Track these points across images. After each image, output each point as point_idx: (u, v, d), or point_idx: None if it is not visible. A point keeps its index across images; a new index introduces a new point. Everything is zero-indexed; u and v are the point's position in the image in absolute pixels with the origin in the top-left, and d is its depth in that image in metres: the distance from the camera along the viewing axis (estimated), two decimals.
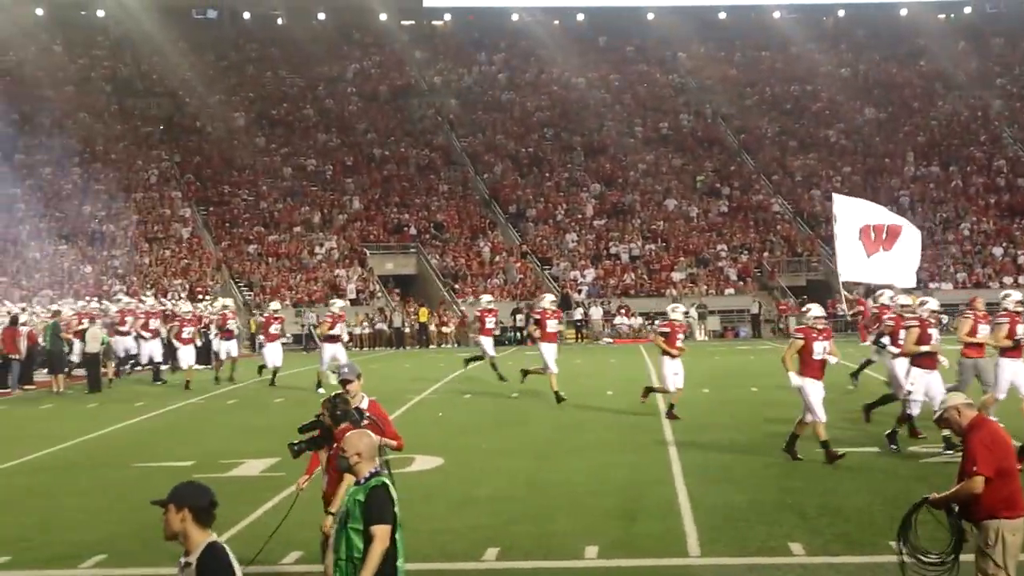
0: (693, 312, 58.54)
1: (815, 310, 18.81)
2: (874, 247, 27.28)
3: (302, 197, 70.42)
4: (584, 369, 34.62)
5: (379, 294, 61.67)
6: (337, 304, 33.27)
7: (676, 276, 63.34)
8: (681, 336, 24.90)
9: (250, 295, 59.41)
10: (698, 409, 24.71)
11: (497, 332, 35.20)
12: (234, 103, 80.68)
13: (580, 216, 69.93)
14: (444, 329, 58.08)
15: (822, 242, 65.76)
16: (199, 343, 38.08)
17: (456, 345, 56.90)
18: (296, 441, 10.22)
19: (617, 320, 58.91)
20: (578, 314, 59.34)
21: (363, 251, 65.07)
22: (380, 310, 59.00)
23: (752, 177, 74.15)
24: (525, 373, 28.56)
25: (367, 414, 10.52)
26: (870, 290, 33.84)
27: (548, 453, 19.83)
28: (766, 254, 65.87)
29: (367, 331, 57.45)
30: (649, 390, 25.25)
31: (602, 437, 21.46)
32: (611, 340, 56.92)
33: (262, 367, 34.61)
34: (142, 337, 37.10)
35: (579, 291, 61.94)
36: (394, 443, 10.94)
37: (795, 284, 62.02)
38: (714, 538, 13.13)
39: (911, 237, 27.51)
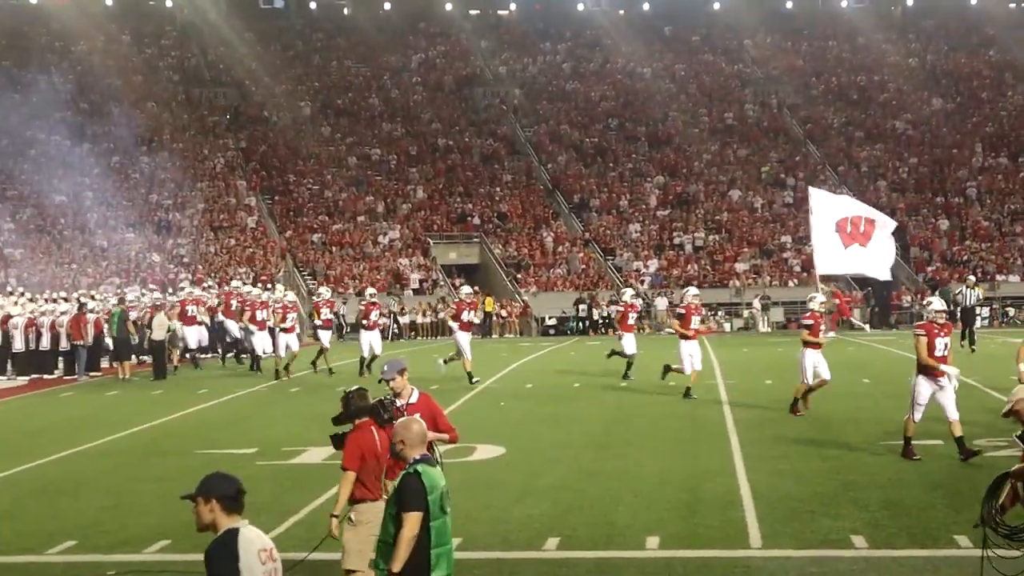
0: (757, 303, 58.32)
1: (936, 304, 18.07)
2: (850, 240, 27.51)
3: (366, 186, 70.67)
4: (645, 360, 34.40)
5: (441, 283, 61.79)
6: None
7: (739, 267, 63.04)
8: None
9: (313, 283, 59.69)
10: (761, 400, 24.62)
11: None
12: (300, 92, 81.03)
13: (643, 206, 69.72)
14: (505, 317, 58.11)
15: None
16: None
17: (519, 335, 56.95)
18: (336, 433, 10.24)
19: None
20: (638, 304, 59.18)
21: (426, 240, 65.22)
22: (442, 299, 59.09)
23: (817, 168, 73.56)
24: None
25: (399, 405, 10.54)
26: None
27: (609, 443, 19.81)
28: None
29: (429, 320, 57.53)
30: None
31: (664, 427, 21.40)
32: (673, 331, 56.66)
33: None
34: (248, 330, 36.34)
35: (642, 281, 61.78)
36: (445, 436, 10.90)
37: (859, 276, 61.32)
38: (776, 530, 13.06)
39: (887, 230, 27.74)
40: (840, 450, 18.08)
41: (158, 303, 38.77)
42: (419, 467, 7.98)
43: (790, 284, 61.62)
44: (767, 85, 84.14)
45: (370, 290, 36.33)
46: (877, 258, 27.92)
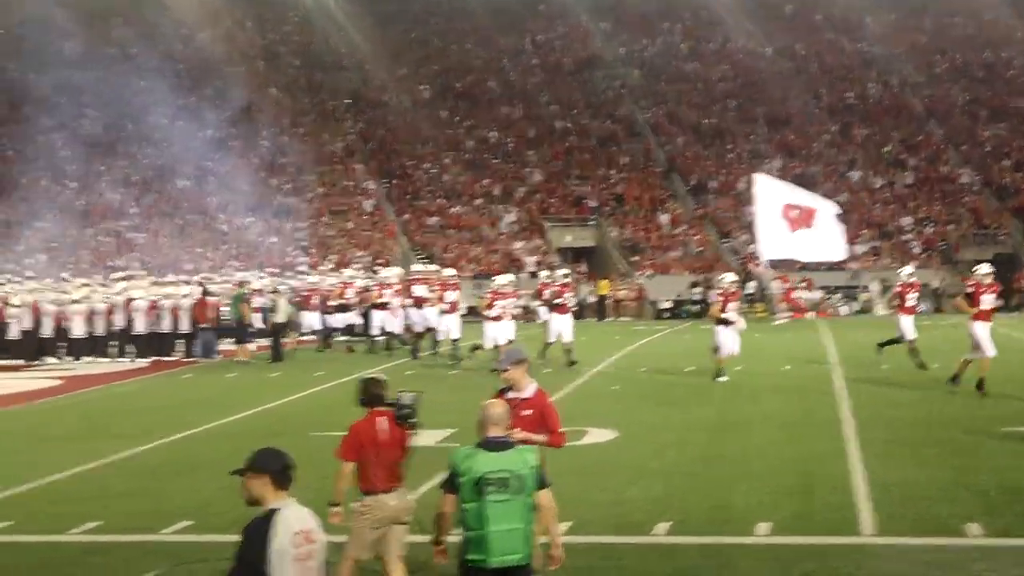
0: (875, 286, 57.52)
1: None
2: (796, 224, 27.40)
3: (484, 169, 70.90)
4: (760, 343, 34.15)
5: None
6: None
7: (858, 249, 62.21)
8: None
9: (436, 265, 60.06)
10: (877, 385, 24.34)
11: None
12: (418, 76, 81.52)
13: None
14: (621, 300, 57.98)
15: (1012, 214, 64.13)
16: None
17: (635, 318, 56.82)
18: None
19: (795, 294, 58.02)
20: (751, 287, 58.65)
21: (542, 223, 65.26)
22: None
23: (940, 147, 72.38)
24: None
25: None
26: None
27: (723, 427, 19.72)
28: (951, 227, 64.29)
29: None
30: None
31: (778, 412, 21.24)
32: (790, 315, 56.17)
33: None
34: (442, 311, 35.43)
35: (757, 264, 61.23)
36: (542, 439, 10.50)
37: (981, 258, 59.70)
38: (890, 516, 12.89)
39: (827, 213, 27.98)
40: (956, 433, 17.84)
41: (281, 287, 39.32)
42: (466, 448, 8.25)
43: (910, 267, 60.49)
44: (889, 63, 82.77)
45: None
46: (826, 240, 28.06)
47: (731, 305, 26.28)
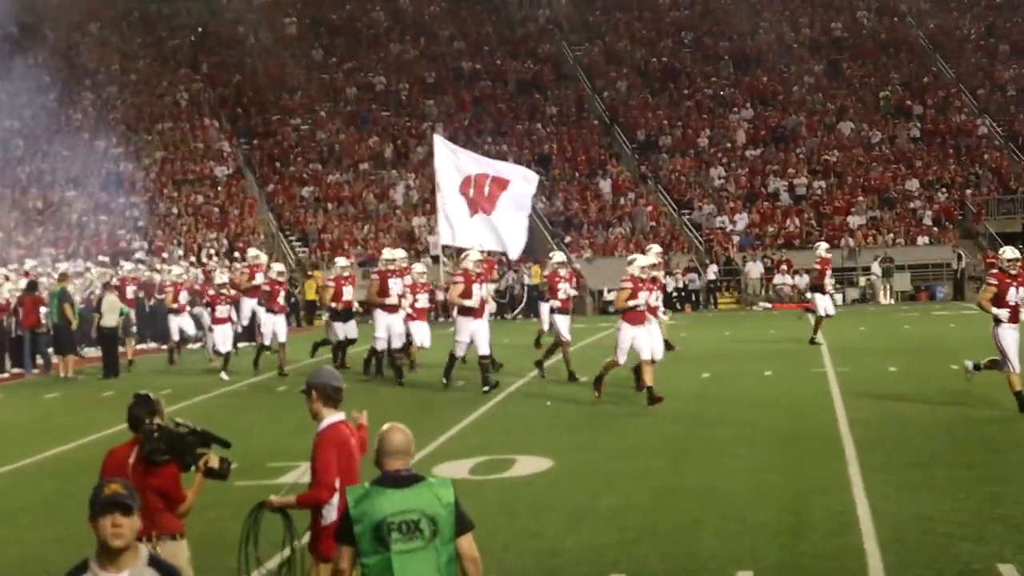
0: (876, 267, 58.11)
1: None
2: (474, 207, 27.66)
3: (370, 125, 70.80)
4: (735, 342, 34.45)
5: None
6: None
7: (854, 221, 62.85)
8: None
9: (304, 251, 59.87)
10: (883, 393, 24.58)
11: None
12: (283, 5, 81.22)
13: (729, 145, 69.61)
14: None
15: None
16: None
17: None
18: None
19: (777, 279, 58.59)
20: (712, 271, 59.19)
21: None
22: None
23: (951, 92, 73.28)
24: None
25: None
26: None
27: (688, 451, 19.84)
28: (970, 191, 65.09)
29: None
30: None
31: (759, 429, 21.41)
32: (770, 304, 56.75)
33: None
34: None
35: (730, 243, 61.72)
36: (291, 500, 10.44)
37: (1008, 230, 60.74)
38: (904, 559, 13.04)
39: (519, 195, 27.99)
40: (983, 455, 18.06)
41: (109, 280, 39.01)
42: (360, 487, 8.27)
43: (919, 242, 61.32)
44: None
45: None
46: (505, 232, 28.32)
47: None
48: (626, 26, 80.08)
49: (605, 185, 66.19)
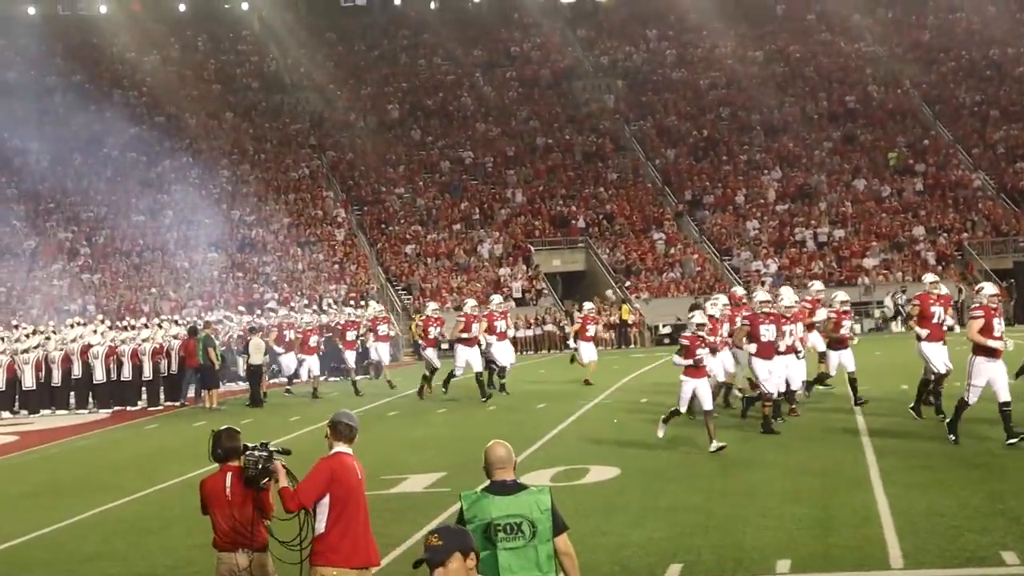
0: (889, 301, 57.63)
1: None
2: None
3: (461, 192, 70.97)
4: None
5: (546, 293, 61.81)
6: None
7: (868, 262, 62.44)
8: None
9: (408, 299, 60.01)
10: (897, 406, 24.36)
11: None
12: (386, 95, 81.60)
13: (761, 201, 69.32)
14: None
15: None
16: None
17: (634, 345, 56.87)
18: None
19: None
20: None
21: (527, 247, 65.29)
22: (548, 310, 59.10)
23: (949, 151, 72.68)
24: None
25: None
26: None
27: (732, 459, 19.71)
28: (966, 235, 64.55)
29: (532, 333, 57.61)
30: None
31: (791, 440, 21.29)
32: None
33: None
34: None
35: (762, 283, 61.34)
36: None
37: (1000, 267, 60.37)
38: (918, 547, 12.95)
39: None
40: (985, 456, 17.88)
41: (252, 326, 39.28)
42: (473, 492, 8.37)
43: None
44: (891, 64, 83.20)
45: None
46: None
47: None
48: (673, 104, 79.91)
49: (659, 238, 66.00)
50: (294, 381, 38.06)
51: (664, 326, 58.33)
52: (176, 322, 42.34)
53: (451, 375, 32.15)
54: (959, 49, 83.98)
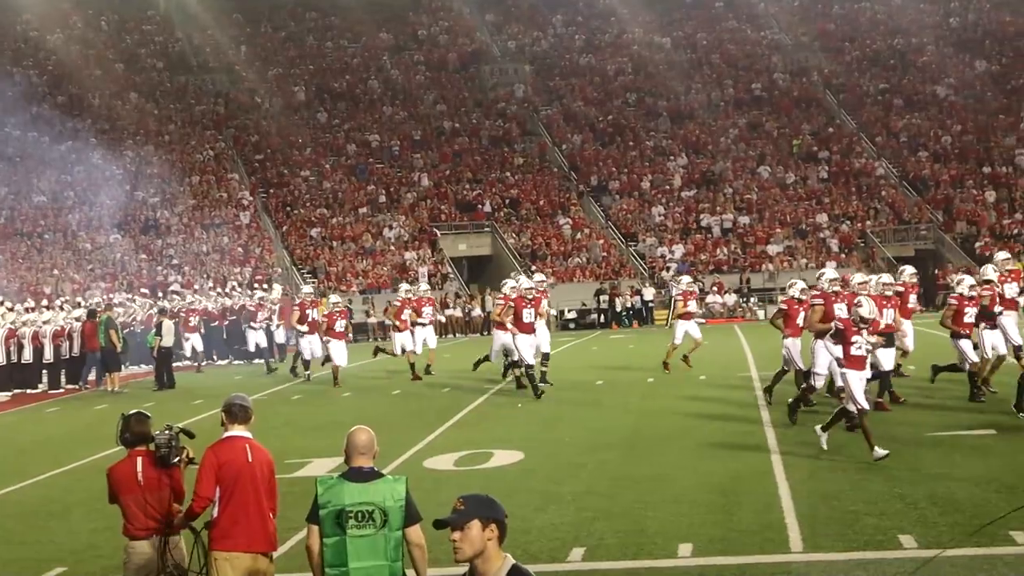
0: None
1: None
2: None
3: (367, 175, 70.69)
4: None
5: (452, 277, 61.73)
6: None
7: (772, 249, 62.91)
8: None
9: (313, 282, 59.72)
10: (794, 392, 24.53)
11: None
12: (293, 76, 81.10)
13: (667, 187, 69.65)
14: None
15: (931, 208, 65.16)
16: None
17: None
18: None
19: (709, 298, 58.54)
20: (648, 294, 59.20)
21: (433, 231, 65.15)
22: (456, 295, 59.02)
23: (853, 139, 73.43)
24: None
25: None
26: None
27: (636, 444, 19.81)
28: (870, 222, 65.22)
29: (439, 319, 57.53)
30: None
31: (695, 426, 21.38)
32: (703, 320, 56.65)
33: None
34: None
35: (667, 268, 61.67)
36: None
37: (902, 255, 60.89)
38: (818, 532, 13.06)
39: None
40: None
41: (162, 308, 38.96)
42: (330, 477, 8.45)
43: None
44: (796, 52, 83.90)
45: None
46: None
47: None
48: (579, 90, 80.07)
49: (565, 223, 66.09)
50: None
51: (569, 311, 58.48)
52: (79, 304, 41.89)
53: (485, 359, 30.83)
54: (864, 38, 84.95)
